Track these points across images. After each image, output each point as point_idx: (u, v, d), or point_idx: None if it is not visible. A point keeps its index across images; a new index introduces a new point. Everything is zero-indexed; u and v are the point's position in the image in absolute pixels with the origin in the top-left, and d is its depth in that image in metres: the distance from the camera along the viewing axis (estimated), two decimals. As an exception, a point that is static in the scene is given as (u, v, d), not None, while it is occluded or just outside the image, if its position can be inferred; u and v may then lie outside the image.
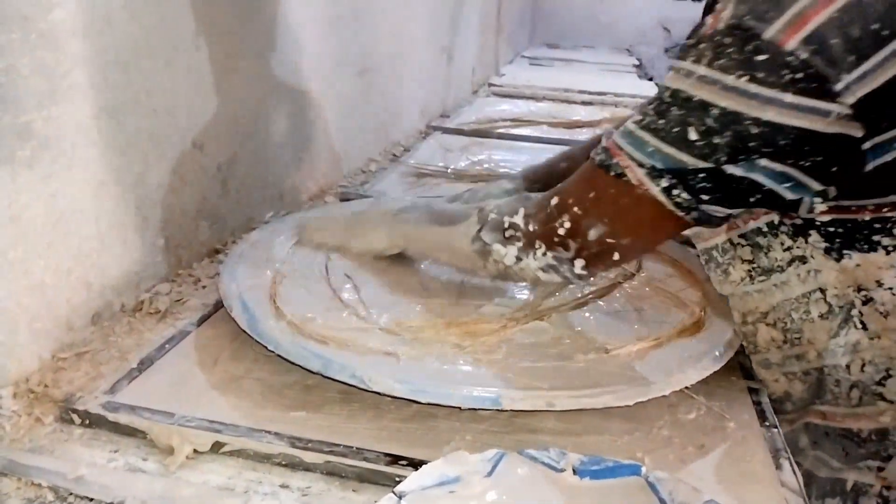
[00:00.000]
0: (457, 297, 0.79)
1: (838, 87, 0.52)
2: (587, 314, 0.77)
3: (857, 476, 0.67)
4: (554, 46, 3.95)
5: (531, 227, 0.67)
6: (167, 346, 0.71)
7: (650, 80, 2.90)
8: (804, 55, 0.51)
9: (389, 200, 1.01)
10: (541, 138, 1.66)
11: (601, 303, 0.80)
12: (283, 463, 0.57)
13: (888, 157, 0.55)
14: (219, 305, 0.77)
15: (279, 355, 0.64)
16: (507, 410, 0.60)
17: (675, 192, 0.59)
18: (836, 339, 0.65)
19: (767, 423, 0.65)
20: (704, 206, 0.59)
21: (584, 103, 2.12)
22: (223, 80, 0.91)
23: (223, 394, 0.64)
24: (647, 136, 0.59)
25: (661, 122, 0.58)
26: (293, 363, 0.63)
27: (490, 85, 2.40)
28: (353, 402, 0.64)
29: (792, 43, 0.52)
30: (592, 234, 0.63)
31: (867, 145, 0.55)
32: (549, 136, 1.69)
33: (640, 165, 0.59)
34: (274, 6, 1.01)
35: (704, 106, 0.55)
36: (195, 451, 0.57)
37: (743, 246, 0.69)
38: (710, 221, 0.62)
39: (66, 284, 0.69)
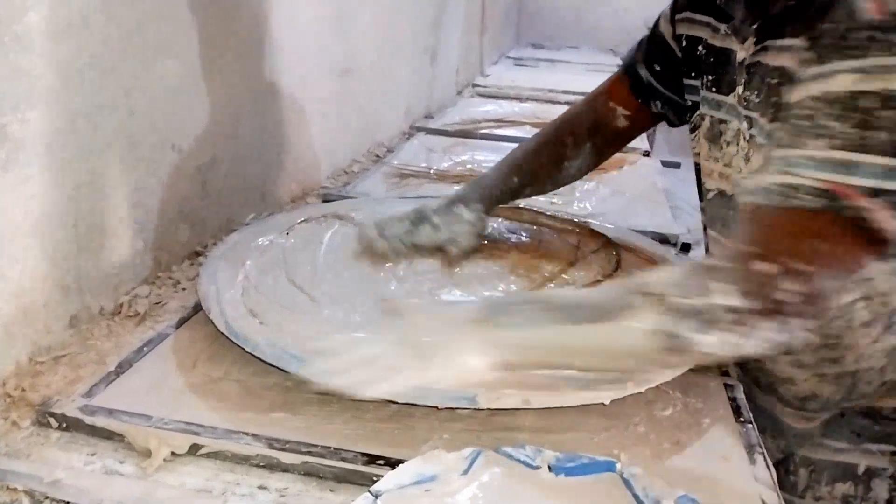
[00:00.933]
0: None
1: None
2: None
3: (869, 461, 0.67)
4: (539, 47, 3.96)
5: (749, 304, 0.51)
6: (145, 348, 0.71)
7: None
8: None
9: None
10: (524, 139, 1.65)
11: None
12: (261, 464, 0.57)
13: None
14: (198, 308, 0.76)
15: (257, 357, 0.64)
16: (484, 409, 0.60)
17: None
18: (877, 344, 0.64)
19: (742, 419, 0.66)
20: None
21: (567, 103, 2.11)
22: (202, 83, 0.90)
23: (201, 396, 0.64)
24: (862, 158, 0.50)
25: (877, 134, 0.50)
26: (271, 365, 0.64)
27: (474, 85, 2.40)
28: (331, 403, 0.64)
29: None
30: (826, 287, 0.52)
31: None
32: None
33: (871, 194, 0.50)
34: (254, 8, 1.01)
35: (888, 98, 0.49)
36: (172, 453, 0.57)
37: None
38: None
39: (44, 288, 0.69)
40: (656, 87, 0.86)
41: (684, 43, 0.80)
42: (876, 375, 0.66)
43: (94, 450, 0.58)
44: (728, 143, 0.73)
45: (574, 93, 2.22)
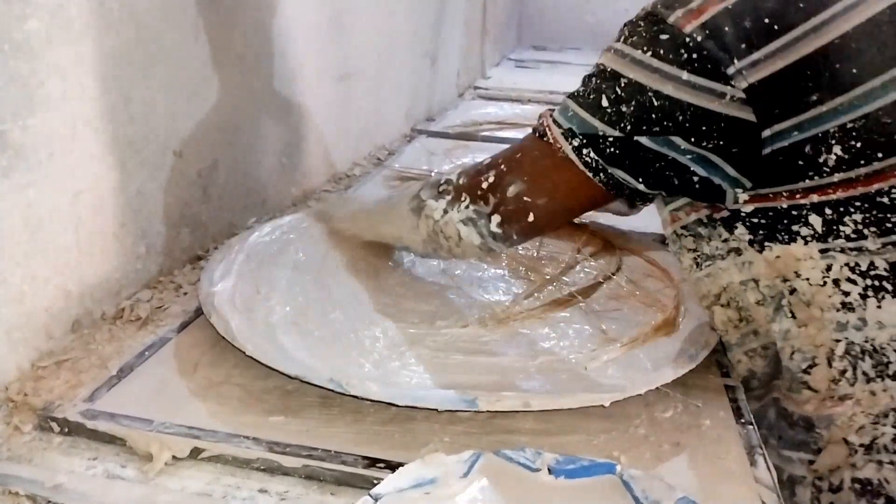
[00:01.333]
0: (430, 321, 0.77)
1: (730, 70, 0.57)
2: (566, 314, 0.78)
3: (791, 468, 0.69)
4: (540, 49, 3.96)
5: (461, 181, 0.72)
6: (147, 353, 0.71)
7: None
8: (699, 38, 0.58)
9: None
10: (525, 141, 1.66)
11: (581, 305, 0.80)
12: (262, 468, 0.57)
13: (785, 143, 0.58)
14: (199, 312, 0.77)
15: (258, 361, 0.65)
16: (484, 412, 0.60)
17: (584, 150, 0.64)
18: (773, 324, 0.67)
19: (743, 421, 0.66)
20: (612, 170, 0.64)
21: (569, 105, 2.13)
22: (202, 88, 0.91)
23: (202, 400, 0.64)
24: (570, 103, 0.66)
25: (583, 90, 0.65)
26: (272, 368, 0.64)
27: (476, 88, 2.40)
28: (332, 406, 0.64)
29: (689, 27, 0.58)
30: (511, 191, 0.68)
31: (767, 133, 0.58)
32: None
33: (558, 126, 0.65)
34: (253, 14, 1.01)
35: (616, 76, 0.62)
36: (174, 457, 0.57)
37: (686, 236, 0.71)
38: (622, 191, 0.66)
39: (45, 293, 0.69)
40: None
41: None
42: (784, 358, 0.67)
43: (95, 454, 0.58)
44: None
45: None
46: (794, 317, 0.65)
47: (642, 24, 0.62)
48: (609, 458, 0.56)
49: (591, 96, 0.63)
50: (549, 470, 0.53)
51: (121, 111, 0.76)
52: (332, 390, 0.61)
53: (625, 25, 0.64)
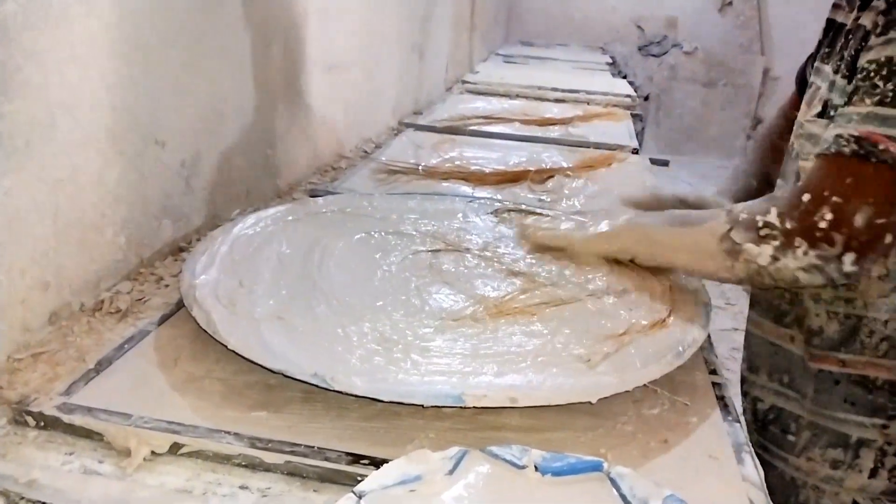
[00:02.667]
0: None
1: None
2: (556, 310, 0.77)
3: (861, 433, 0.73)
4: (528, 44, 3.96)
5: (788, 225, 0.66)
6: (126, 346, 0.69)
7: (623, 77, 2.92)
8: None
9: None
10: (513, 135, 1.66)
11: (572, 301, 0.80)
12: (243, 464, 0.56)
13: None
14: (181, 304, 0.75)
15: (241, 355, 0.63)
16: (470, 408, 0.60)
17: None
18: (886, 298, 0.71)
19: (730, 418, 0.65)
20: None
21: (556, 100, 2.13)
22: (186, 77, 0.89)
23: (182, 394, 0.63)
24: (894, 112, 0.61)
25: None
26: (255, 363, 0.63)
27: (464, 82, 2.39)
28: (315, 401, 0.63)
29: None
30: (859, 220, 0.62)
31: None
32: (521, 133, 1.69)
33: None
34: (239, 2, 1.00)
35: None
36: (153, 452, 0.56)
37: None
38: None
39: (22, 284, 0.67)
40: (803, 81, 0.93)
41: (827, 29, 0.85)
42: (879, 327, 0.72)
43: (72, 449, 0.57)
44: (809, 104, 0.81)
45: (562, 90, 2.22)
46: None
47: None
48: (596, 455, 0.55)
49: None
50: (535, 467, 0.53)
51: (102, 99, 0.75)
52: (316, 385, 0.60)
53: None
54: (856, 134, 0.63)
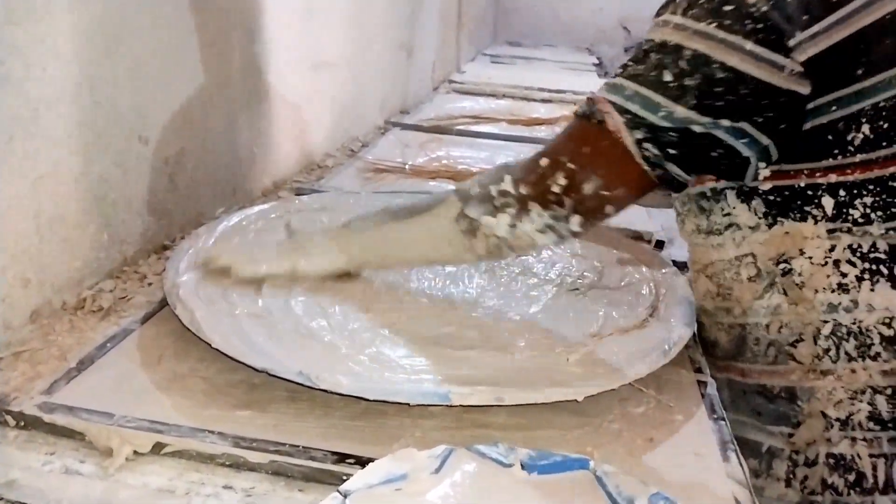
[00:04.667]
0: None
1: (792, 42, 0.59)
2: (539, 306, 0.77)
3: (771, 441, 0.71)
4: (516, 44, 3.96)
5: (523, 191, 0.66)
6: (109, 344, 0.69)
7: (610, 78, 2.92)
8: (764, 8, 0.58)
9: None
10: (499, 135, 1.66)
11: (554, 289, 0.80)
12: (227, 463, 0.55)
13: (824, 119, 0.61)
14: (164, 303, 0.74)
15: (225, 353, 0.63)
16: (457, 406, 0.59)
17: (645, 145, 0.62)
18: (761, 300, 0.69)
19: (716, 416, 0.66)
20: (669, 166, 0.63)
21: (543, 101, 2.13)
22: (170, 73, 0.88)
23: (166, 393, 0.62)
24: (626, 83, 0.63)
25: (640, 67, 0.63)
26: (239, 361, 0.62)
27: (451, 82, 2.39)
28: (300, 400, 0.62)
29: None
30: (588, 189, 0.64)
31: (810, 106, 0.60)
32: (508, 132, 1.69)
33: (620, 112, 0.62)
34: (224, -2, 0.99)
35: (678, 49, 0.61)
36: (135, 452, 0.55)
37: (690, 205, 0.73)
38: (672, 184, 0.66)
39: (3, 282, 0.67)
40: None
41: None
42: (763, 333, 0.70)
43: (53, 449, 0.56)
44: None
45: (549, 90, 2.22)
46: (785, 294, 0.68)
47: None
48: (582, 453, 0.55)
49: (652, 73, 0.62)
50: (522, 465, 0.52)
51: (85, 94, 0.74)
52: (301, 384, 0.59)
53: (676, 1, 0.63)
54: (589, 95, 0.66)
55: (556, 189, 0.64)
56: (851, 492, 0.66)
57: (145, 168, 0.85)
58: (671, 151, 0.62)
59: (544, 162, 0.66)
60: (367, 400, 0.59)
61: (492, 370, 0.63)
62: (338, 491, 0.48)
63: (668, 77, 0.61)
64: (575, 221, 0.65)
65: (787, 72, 0.59)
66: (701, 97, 0.60)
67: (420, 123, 1.71)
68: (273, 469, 0.55)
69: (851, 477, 0.67)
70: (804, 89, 0.59)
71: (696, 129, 0.61)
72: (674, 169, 0.63)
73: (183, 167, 0.93)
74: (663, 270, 0.86)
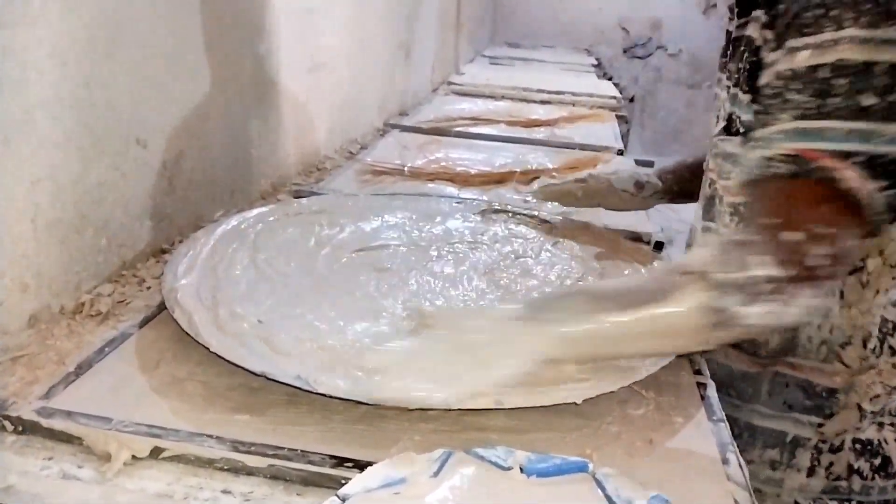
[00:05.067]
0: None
1: None
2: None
3: (797, 430, 0.72)
4: (514, 46, 3.97)
5: (787, 272, 0.56)
6: (107, 348, 0.68)
7: (609, 79, 2.93)
8: None
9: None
10: (498, 137, 1.66)
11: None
12: (226, 468, 0.55)
13: None
14: (163, 307, 0.74)
15: (223, 357, 0.63)
16: (455, 409, 0.59)
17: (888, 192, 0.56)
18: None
19: (715, 418, 0.65)
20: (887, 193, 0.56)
21: (542, 102, 2.13)
22: (168, 75, 0.88)
23: (164, 397, 0.62)
24: (823, 124, 0.56)
25: (833, 101, 0.55)
26: (237, 365, 0.62)
27: (450, 83, 2.39)
28: (299, 404, 0.62)
29: None
30: (848, 246, 0.57)
31: None
32: (507, 134, 1.69)
33: (844, 157, 0.55)
34: (221, 1, 0.99)
35: (868, 66, 0.55)
36: (133, 457, 0.55)
37: None
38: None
39: (1, 286, 0.66)
40: None
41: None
42: (815, 332, 0.70)
43: (51, 454, 0.56)
44: (716, 116, 0.77)
45: (548, 91, 2.22)
46: (842, 297, 0.67)
47: (866, 3, 0.55)
48: (581, 455, 0.55)
49: (849, 102, 0.55)
50: (521, 468, 0.52)
51: (82, 97, 0.73)
52: (300, 388, 0.59)
53: (827, 11, 0.56)
54: (788, 153, 0.58)
55: (818, 262, 0.55)
56: (877, 476, 0.68)
57: (143, 171, 0.85)
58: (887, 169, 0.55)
59: (792, 237, 0.56)
60: (366, 404, 0.59)
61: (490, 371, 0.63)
62: (336, 495, 0.48)
63: (869, 101, 0.55)
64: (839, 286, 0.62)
65: None
66: None
67: (419, 125, 1.71)
68: (271, 473, 0.55)
69: (877, 461, 0.68)
70: None
71: None
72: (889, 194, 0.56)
73: (181, 170, 0.93)
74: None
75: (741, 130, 0.70)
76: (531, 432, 0.61)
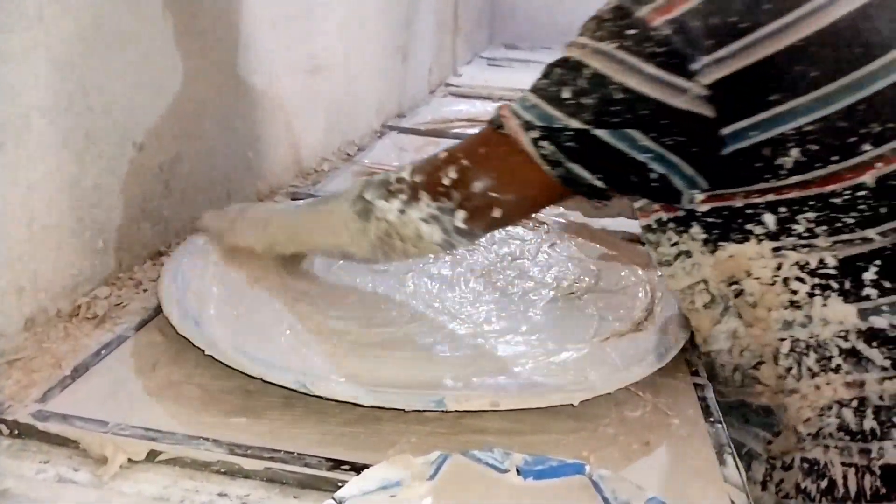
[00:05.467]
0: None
1: (695, 66, 0.57)
2: (536, 310, 0.77)
3: (752, 443, 0.72)
4: (512, 47, 3.96)
5: (416, 178, 0.68)
6: (104, 351, 0.68)
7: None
8: (666, 33, 0.57)
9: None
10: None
11: (550, 293, 0.80)
12: (222, 471, 0.55)
13: (745, 144, 0.59)
14: (160, 309, 0.74)
15: (219, 360, 0.63)
16: (452, 411, 0.59)
17: (541, 143, 0.62)
18: (719, 325, 0.69)
19: (712, 419, 0.65)
20: (569, 165, 0.62)
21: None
22: (165, 78, 0.88)
23: (160, 400, 0.62)
24: (529, 95, 0.64)
25: (544, 82, 0.64)
26: (234, 369, 0.62)
27: (447, 85, 2.39)
28: (296, 406, 0.62)
29: (657, 22, 0.58)
30: (477, 187, 0.65)
31: (726, 131, 0.59)
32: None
33: (517, 118, 0.63)
34: (220, 2, 0.99)
35: (579, 67, 0.61)
36: (130, 460, 0.55)
37: (646, 236, 0.72)
38: (579, 187, 0.64)
39: (-4, 289, 0.66)
40: None
41: None
42: (727, 358, 0.70)
43: (47, 457, 0.56)
44: None
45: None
46: (740, 317, 0.67)
47: (609, 18, 0.61)
48: (578, 457, 0.55)
49: (552, 88, 0.62)
50: (517, 471, 0.52)
51: (78, 101, 0.73)
52: (296, 390, 0.59)
53: (590, 20, 0.63)
54: (498, 104, 0.67)
55: (445, 181, 0.66)
56: (823, 499, 0.66)
57: (140, 174, 0.85)
58: (570, 147, 0.61)
59: (442, 156, 0.68)
60: (363, 406, 0.59)
61: (487, 376, 0.63)
62: (333, 498, 0.48)
63: (566, 94, 0.61)
64: (460, 217, 0.66)
65: (691, 94, 0.57)
66: (598, 115, 0.60)
67: (416, 127, 1.71)
68: (268, 476, 0.55)
69: (824, 483, 0.66)
70: (709, 112, 0.58)
71: (599, 134, 0.60)
72: (577, 170, 0.62)
73: (178, 173, 0.93)
74: (659, 273, 0.86)
75: None
76: (528, 434, 0.61)
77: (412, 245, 0.69)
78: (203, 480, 0.55)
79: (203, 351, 0.63)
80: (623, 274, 0.87)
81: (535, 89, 0.64)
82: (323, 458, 0.56)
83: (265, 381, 0.60)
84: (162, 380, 0.65)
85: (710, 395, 0.70)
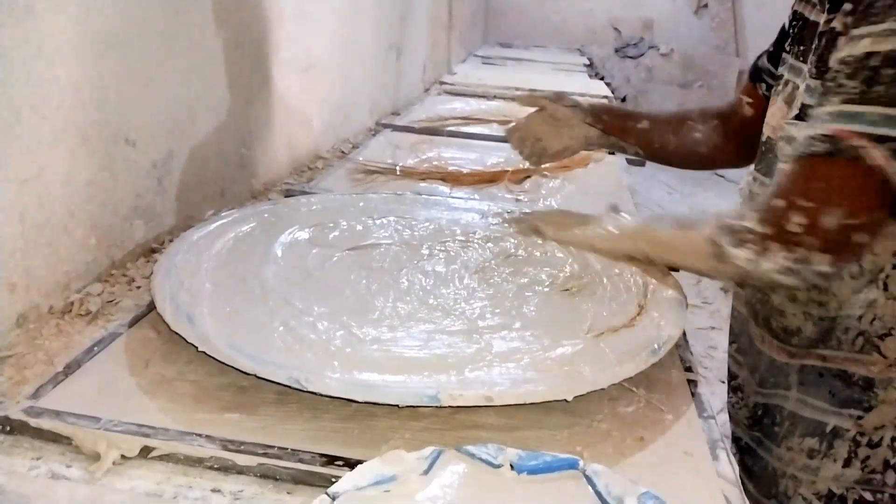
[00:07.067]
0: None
1: None
2: (530, 306, 0.77)
3: (838, 421, 0.75)
4: (506, 46, 3.97)
5: (763, 230, 0.66)
6: (96, 348, 0.68)
7: (601, 78, 2.94)
8: None
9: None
10: (490, 136, 1.66)
11: (544, 289, 0.80)
12: (215, 466, 0.55)
13: None
14: (152, 306, 0.74)
15: (212, 357, 0.62)
16: (446, 407, 0.59)
17: None
18: (858, 295, 0.72)
19: (705, 415, 0.66)
20: None
21: (534, 101, 2.13)
22: (157, 75, 0.88)
23: (153, 397, 0.62)
24: (865, 108, 0.61)
25: (878, 88, 0.60)
26: (227, 364, 0.62)
27: (442, 83, 2.39)
28: (289, 402, 0.62)
29: None
30: (829, 223, 0.63)
31: None
32: (499, 134, 1.69)
33: (864, 137, 0.60)
34: (209, 0, 0.99)
35: None
36: (122, 456, 0.55)
37: None
38: None
39: (-12, 286, 0.66)
40: (762, 69, 0.94)
41: (794, 21, 0.84)
42: (853, 324, 0.74)
43: (39, 454, 0.56)
44: (790, 104, 0.80)
45: (541, 91, 2.22)
46: (886, 289, 0.71)
47: None
48: (572, 453, 0.55)
49: (889, 91, 0.59)
50: (511, 466, 0.52)
51: (70, 97, 0.73)
52: (290, 387, 0.59)
53: (884, 5, 0.61)
54: (827, 133, 0.63)
55: (794, 229, 0.64)
56: None
57: (133, 171, 0.85)
58: None
59: (779, 204, 0.66)
60: (356, 402, 0.59)
61: (481, 371, 0.63)
62: (326, 493, 0.48)
63: None
64: (824, 262, 0.64)
65: None
66: None
67: (411, 125, 1.71)
68: (261, 472, 0.55)
69: None
70: None
71: None
72: None
73: (171, 169, 0.93)
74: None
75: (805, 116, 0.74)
76: (522, 430, 0.61)
77: (767, 285, 0.72)
78: (196, 476, 0.55)
79: (196, 347, 0.63)
80: (617, 270, 0.87)
81: (868, 100, 0.61)
82: (317, 453, 0.56)
83: (258, 377, 0.60)
84: (155, 376, 0.65)
85: (703, 390, 0.70)
